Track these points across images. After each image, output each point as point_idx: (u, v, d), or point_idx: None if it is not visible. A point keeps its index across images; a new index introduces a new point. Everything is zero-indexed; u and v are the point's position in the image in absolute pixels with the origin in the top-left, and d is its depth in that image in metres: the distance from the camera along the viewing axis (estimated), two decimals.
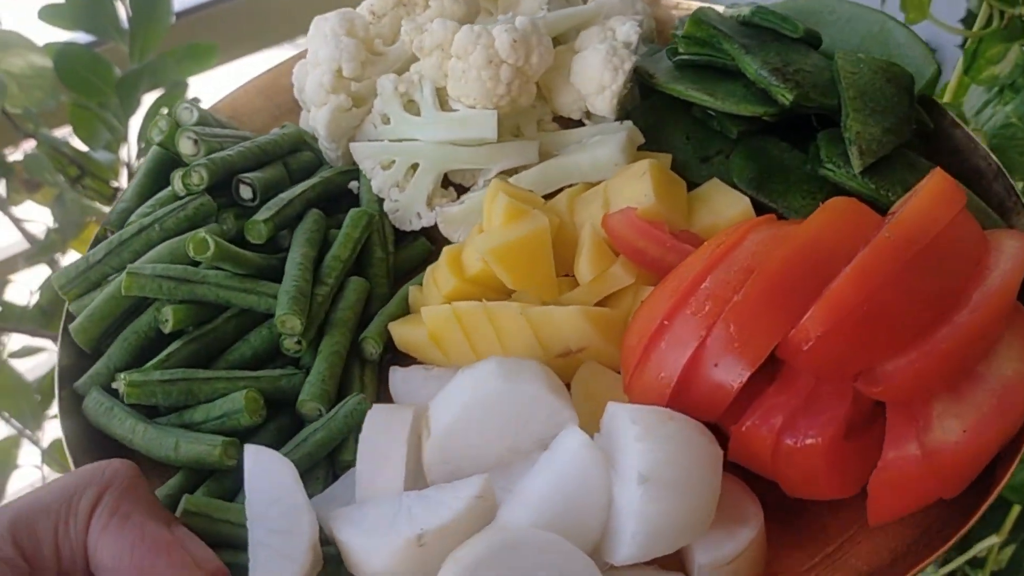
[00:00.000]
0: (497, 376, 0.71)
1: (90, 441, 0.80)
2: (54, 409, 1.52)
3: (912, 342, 0.67)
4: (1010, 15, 1.05)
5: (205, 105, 1.08)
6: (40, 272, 1.54)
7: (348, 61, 0.94)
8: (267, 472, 0.70)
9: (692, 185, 0.92)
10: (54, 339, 1.43)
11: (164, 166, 0.97)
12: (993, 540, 1.24)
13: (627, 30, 0.94)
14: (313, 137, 1.01)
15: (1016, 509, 1.23)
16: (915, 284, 0.68)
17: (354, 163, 0.97)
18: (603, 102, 0.92)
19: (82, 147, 1.51)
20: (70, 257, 1.51)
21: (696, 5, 1.13)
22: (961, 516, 0.68)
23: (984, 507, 0.67)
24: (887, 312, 0.67)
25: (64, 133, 1.57)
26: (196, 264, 0.84)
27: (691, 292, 0.72)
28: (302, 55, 1.09)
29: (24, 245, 1.54)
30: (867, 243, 0.71)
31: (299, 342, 0.82)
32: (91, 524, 0.64)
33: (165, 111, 0.99)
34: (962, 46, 1.21)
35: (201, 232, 0.82)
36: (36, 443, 1.47)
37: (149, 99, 1.47)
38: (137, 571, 0.64)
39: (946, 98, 1.22)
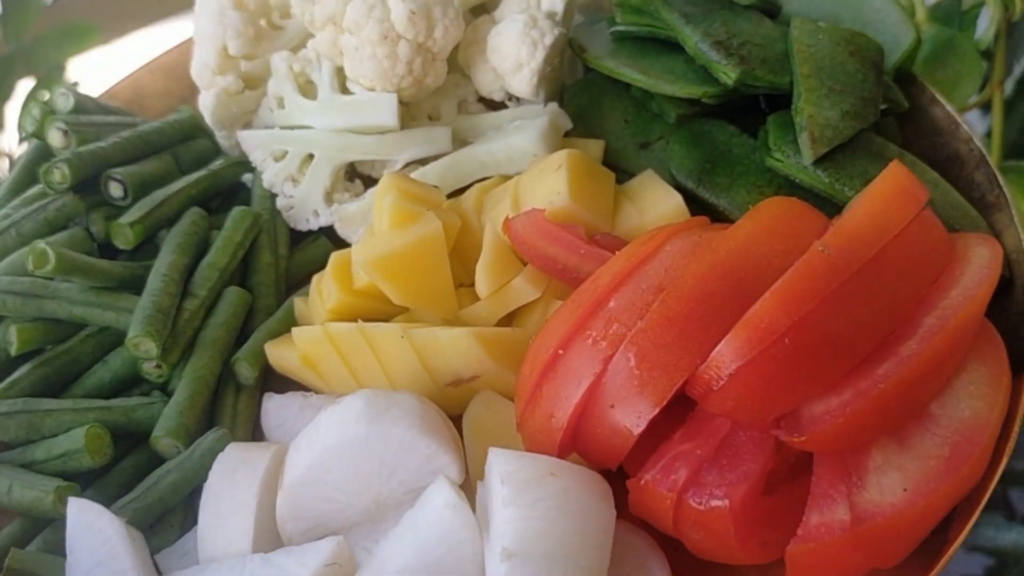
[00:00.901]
0: (361, 417, 0.60)
1: None
2: None
3: (846, 379, 0.55)
4: None
5: (102, 87, 0.98)
6: None
7: (234, 38, 0.83)
8: (92, 530, 0.60)
9: (629, 176, 0.81)
10: None
11: (42, 160, 0.87)
12: None
13: (552, 1, 0.82)
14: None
15: None
16: (854, 308, 0.56)
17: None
18: (521, 82, 0.80)
19: None
20: None
21: None
22: None
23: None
24: (817, 343, 0.55)
25: None
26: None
27: (592, 314, 0.61)
28: None
29: None
30: (803, 252, 0.59)
31: (159, 366, 0.72)
32: None
33: (45, 96, 0.88)
34: None
35: (41, 243, 0.71)
36: None
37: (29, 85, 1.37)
38: None
39: None
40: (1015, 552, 1.07)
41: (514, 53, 0.79)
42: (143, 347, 0.70)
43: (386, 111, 0.78)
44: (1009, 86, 1.13)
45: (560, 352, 0.60)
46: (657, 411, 0.56)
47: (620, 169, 0.82)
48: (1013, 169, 0.96)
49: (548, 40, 0.79)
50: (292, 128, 0.83)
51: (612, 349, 0.58)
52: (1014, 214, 0.72)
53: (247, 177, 0.88)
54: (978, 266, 0.61)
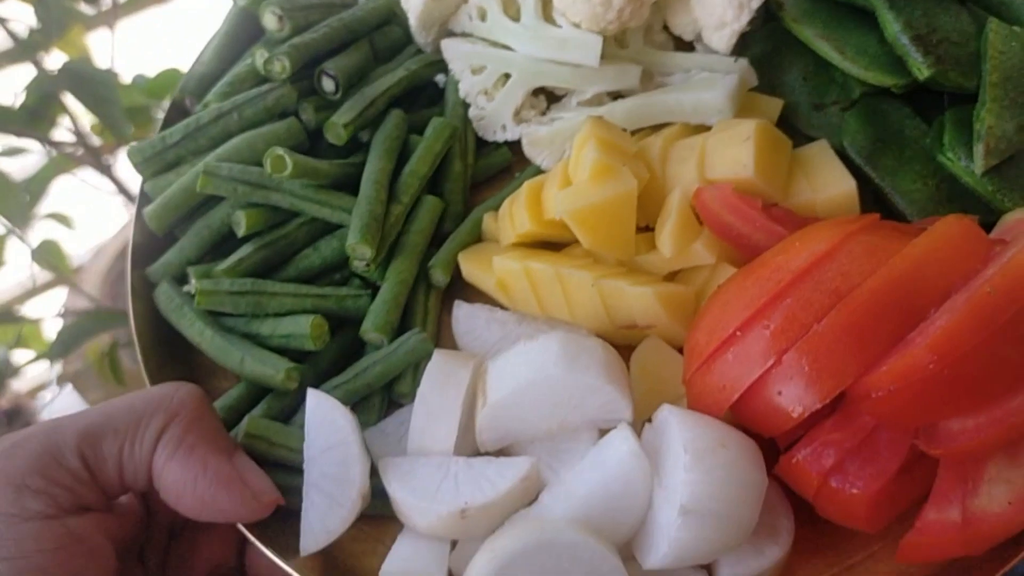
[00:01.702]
0: (560, 360, 0.71)
1: (158, 326, 0.82)
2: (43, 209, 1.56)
3: (983, 405, 0.65)
4: None
5: None
6: (23, 71, 1.51)
7: None
8: (327, 418, 0.72)
9: (799, 134, 0.87)
10: (40, 140, 1.45)
11: (243, 28, 0.94)
12: None
13: None
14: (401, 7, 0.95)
15: None
16: (1004, 347, 0.65)
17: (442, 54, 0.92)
18: (720, 40, 0.84)
19: None
20: (54, 58, 1.48)
21: None
22: (982, 567, 0.69)
23: (1008, 567, 0.68)
24: (967, 375, 0.64)
25: None
26: None
27: (772, 306, 0.69)
28: None
29: (8, 44, 1.50)
30: (970, 278, 0.67)
31: (368, 265, 0.81)
32: (156, 450, 0.68)
33: None
34: None
35: (278, 148, 0.79)
36: (24, 241, 1.52)
37: None
38: (199, 502, 0.68)
39: None
40: None
41: (720, 11, 0.83)
42: (359, 251, 0.80)
43: (591, 52, 0.83)
44: None
45: (738, 333, 0.70)
46: (820, 406, 0.66)
47: (791, 127, 0.88)
48: None
49: (755, 4, 0.83)
50: (492, 44, 0.88)
51: (788, 344, 0.67)
52: None
53: (440, 77, 0.93)
54: None
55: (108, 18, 1.56)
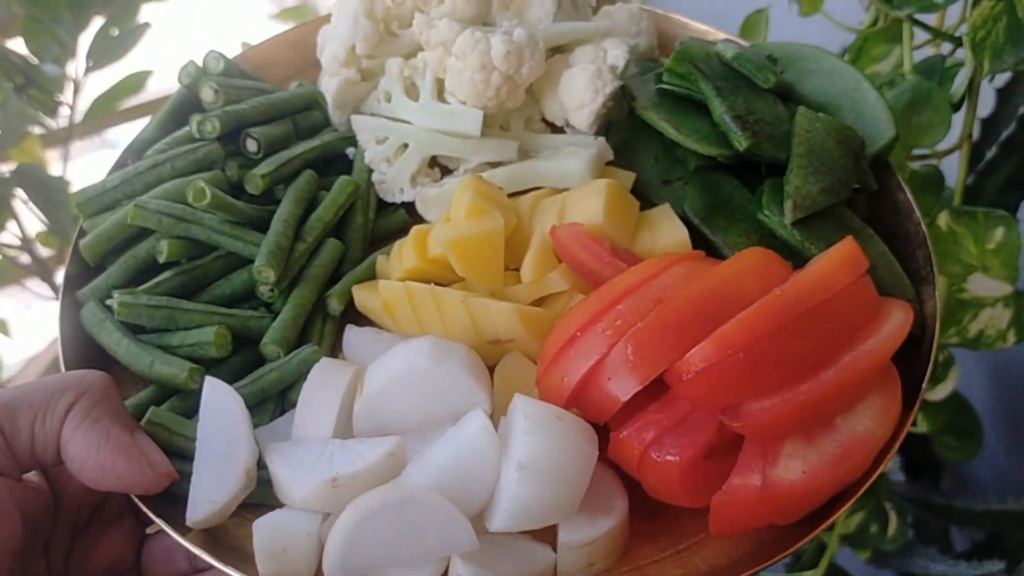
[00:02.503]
0: (427, 355, 0.83)
1: (81, 345, 0.93)
2: None
3: (779, 389, 0.78)
4: (892, 17, 1.14)
5: (236, 50, 1.19)
6: None
7: (362, 41, 1.04)
8: (220, 403, 0.83)
9: (650, 204, 1.02)
10: None
11: (186, 106, 1.09)
12: None
13: (617, 55, 1.03)
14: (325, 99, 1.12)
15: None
16: (793, 341, 0.78)
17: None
18: (581, 118, 1.01)
19: (32, 59, 1.60)
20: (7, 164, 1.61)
21: (702, 29, 1.22)
22: (792, 538, 0.79)
23: (810, 537, 0.79)
24: (762, 361, 0.77)
25: (15, 44, 1.66)
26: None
27: (606, 311, 0.83)
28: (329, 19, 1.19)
29: None
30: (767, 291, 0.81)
31: (272, 290, 0.94)
32: (65, 422, 0.77)
33: (208, 54, 1.09)
34: None
35: (200, 181, 0.93)
36: None
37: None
38: (100, 469, 0.77)
39: None
40: None
41: (579, 95, 1.01)
42: (264, 273, 0.92)
43: (472, 123, 1.00)
44: (993, 149, 1.34)
45: (578, 334, 0.82)
46: (640, 387, 0.78)
47: (644, 198, 1.04)
48: (967, 213, 1.13)
49: (608, 90, 1.01)
50: (395, 120, 1.05)
51: (616, 338, 0.80)
52: (937, 290, 0.94)
53: (350, 150, 1.09)
54: (893, 326, 0.83)
55: (65, 133, 1.72)
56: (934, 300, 0.93)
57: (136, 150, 1.06)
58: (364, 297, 0.96)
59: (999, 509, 1.49)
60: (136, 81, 1.71)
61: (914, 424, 1.45)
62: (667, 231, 0.96)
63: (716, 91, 1.00)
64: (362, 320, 0.97)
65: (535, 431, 0.76)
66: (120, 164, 1.06)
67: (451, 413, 0.83)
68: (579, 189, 0.97)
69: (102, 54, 1.63)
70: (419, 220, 1.06)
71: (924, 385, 0.87)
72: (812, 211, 0.94)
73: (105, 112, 1.79)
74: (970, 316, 1.21)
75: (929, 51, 1.25)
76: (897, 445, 0.82)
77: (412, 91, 1.05)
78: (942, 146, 1.17)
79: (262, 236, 0.95)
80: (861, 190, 1.03)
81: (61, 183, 1.60)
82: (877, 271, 0.94)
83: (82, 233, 0.99)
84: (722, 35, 1.21)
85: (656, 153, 1.06)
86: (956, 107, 1.14)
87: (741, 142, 0.96)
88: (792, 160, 0.96)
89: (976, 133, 1.45)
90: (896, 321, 0.83)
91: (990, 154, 1.37)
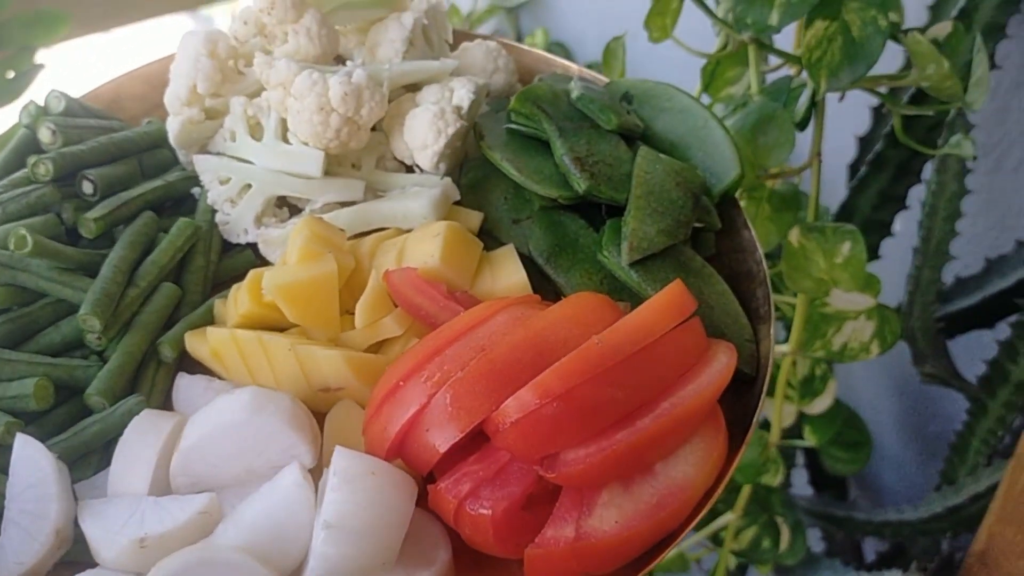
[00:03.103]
0: (247, 407, 0.81)
1: None
2: None
3: (595, 438, 0.77)
4: (739, 41, 1.15)
5: (92, 85, 1.17)
6: None
7: (203, 81, 1.02)
8: (31, 459, 0.80)
9: (500, 244, 1.02)
10: None
11: (28, 146, 1.06)
12: (729, 517, 1.39)
13: (462, 94, 1.02)
14: None
15: (747, 489, 1.37)
16: (612, 388, 0.78)
17: None
18: (424, 159, 1.00)
19: None
20: None
21: (564, 63, 1.22)
22: None
23: None
24: (579, 409, 0.77)
25: None
26: None
27: (429, 360, 0.82)
28: None
29: None
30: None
31: (99, 338, 0.91)
32: None
33: (50, 94, 1.07)
34: None
35: (22, 228, 0.90)
36: None
37: None
38: None
39: None
40: None
41: (422, 136, 1.00)
42: (89, 322, 0.90)
43: (313, 165, 0.98)
44: (864, 168, 1.39)
45: (401, 383, 0.81)
46: (458, 439, 0.77)
47: (494, 237, 1.03)
48: (816, 228, 1.15)
49: (451, 131, 1.00)
50: (238, 159, 1.03)
51: (436, 388, 0.79)
52: (772, 330, 0.95)
53: (195, 190, 1.07)
54: (716, 370, 0.83)
55: None
56: (769, 339, 0.94)
57: None
58: (195, 344, 0.94)
59: (897, 519, 1.51)
60: None
61: (802, 438, 1.48)
62: (506, 273, 0.95)
63: (559, 132, 1.00)
64: (198, 368, 0.95)
65: (343, 487, 0.74)
66: None
67: (272, 466, 0.82)
68: (419, 231, 0.96)
69: None
70: (267, 262, 1.04)
71: (752, 426, 0.87)
72: (649, 252, 0.94)
73: None
74: (834, 329, 1.23)
75: (788, 71, 1.26)
76: (720, 489, 0.83)
77: (257, 130, 1.04)
78: (799, 163, 1.20)
79: (91, 280, 0.93)
80: (707, 228, 1.03)
81: None
82: (714, 312, 0.94)
83: None
84: (582, 70, 1.22)
85: (506, 192, 1.05)
86: (802, 126, 1.16)
87: (580, 184, 0.96)
88: (630, 202, 0.96)
89: (853, 152, 1.49)
90: (719, 365, 0.84)
91: (862, 171, 1.41)
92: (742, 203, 1.07)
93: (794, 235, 1.16)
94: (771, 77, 1.24)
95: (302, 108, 0.97)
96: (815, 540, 1.74)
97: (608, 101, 1.05)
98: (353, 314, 0.94)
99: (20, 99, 1.59)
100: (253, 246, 1.05)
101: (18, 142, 1.07)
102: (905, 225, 1.46)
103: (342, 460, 0.77)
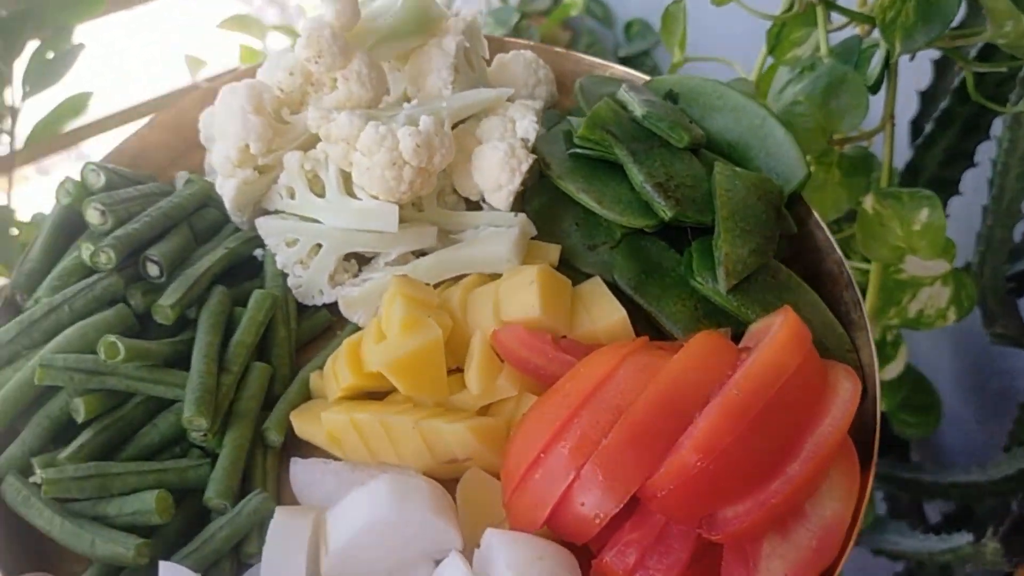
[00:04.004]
0: (389, 502, 0.79)
1: (7, 525, 0.85)
2: None
3: (749, 492, 0.78)
4: (806, 2, 1.12)
5: (112, 144, 1.10)
6: None
7: (255, 140, 0.97)
8: None
9: (577, 272, 1.00)
10: None
11: (69, 222, 1.00)
12: None
13: (526, 126, 0.99)
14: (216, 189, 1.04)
15: None
16: (756, 439, 0.78)
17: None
18: (500, 199, 0.98)
19: None
20: None
21: (597, 63, 1.19)
22: None
23: None
24: (731, 465, 0.77)
25: None
26: None
27: (566, 428, 0.81)
28: (206, 94, 1.11)
29: None
30: (723, 383, 0.81)
31: (205, 435, 0.88)
32: None
33: (85, 168, 1.00)
34: None
35: (111, 337, 0.86)
36: None
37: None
38: None
39: (752, 77, 1.28)
40: (916, 556, 1.32)
41: (495, 176, 0.97)
42: (195, 424, 0.87)
43: (389, 220, 0.95)
44: (930, 125, 1.36)
45: (542, 455, 0.81)
46: (616, 510, 0.78)
47: (569, 266, 1.01)
48: (892, 195, 1.12)
49: (524, 168, 0.97)
50: (302, 218, 0.99)
51: (583, 458, 0.79)
52: (870, 335, 0.96)
53: (258, 252, 1.03)
54: (844, 399, 0.84)
55: (6, 162, 1.57)
56: (869, 347, 0.95)
57: (24, 284, 0.97)
58: (305, 427, 0.91)
59: (964, 480, 1.48)
60: (76, 103, 1.57)
61: None
62: (604, 312, 0.94)
63: (632, 157, 0.98)
64: (304, 446, 0.93)
65: None
66: (9, 302, 0.97)
67: (422, 553, 0.81)
68: (511, 279, 0.94)
69: (38, 79, 1.49)
70: (342, 317, 1.01)
71: (876, 447, 0.89)
72: (744, 275, 0.94)
73: (47, 137, 1.65)
74: (909, 296, 1.23)
75: (855, 30, 1.22)
76: (860, 516, 0.85)
77: (316, 184, 0.99)
78: (870, 126, 1.16)
79: (183, 374, 0.89)
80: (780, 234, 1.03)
81: (5, 212, 1.48)
82: (812, 326, 0.95)
83: None
84: (619, 69, 1.19)
85: (577, 218, 1.03)
86: (874, 89, 1.13)
87: (665, 211, 0.95)
88: (718, 224, 0.95)
89: (915, 108, 1.45)
90: (845, 393, 0.85)
91: (928, 128, 1.37)
92: (811, 168, 1.06)
93: (869, 201, 1.13)
94: (835, 37, 1.19)
95: (372, 164, 0.93)
96: (877, 502, 1.73)
97: (675, 116, 1.02)
98: (454, 372, 0.93)
99: (62, 79, 1.52)
100: (326, 304, 1.01)
101: (56, 222, 1.01)
102: (973, 183, 1.41)
103: (507, 547, 0.77)
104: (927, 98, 1.42)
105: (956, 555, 1.38)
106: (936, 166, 1.37)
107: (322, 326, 1.01)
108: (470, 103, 1.00)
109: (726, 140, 1.07)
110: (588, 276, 0.99)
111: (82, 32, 1.54)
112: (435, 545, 0.81)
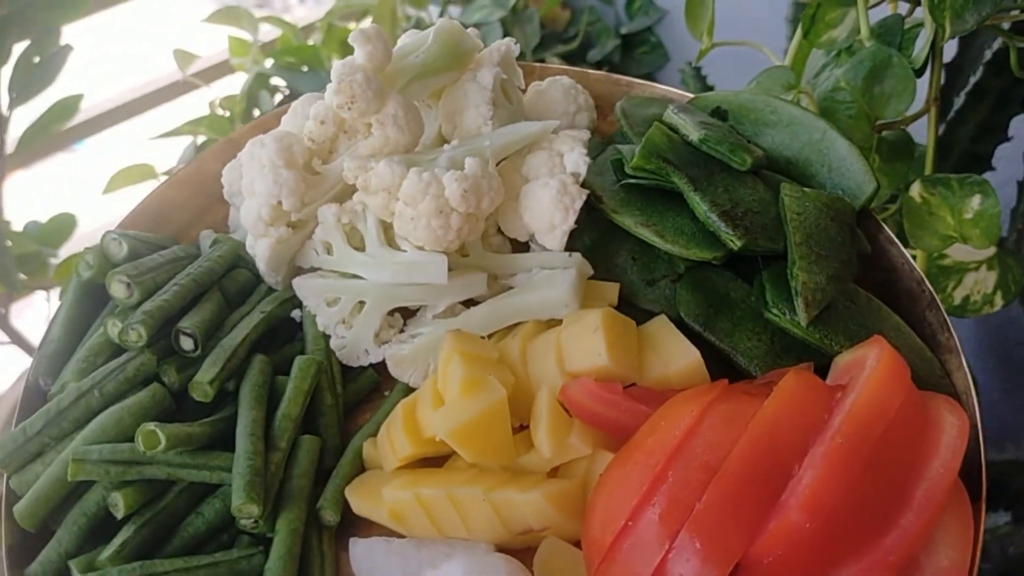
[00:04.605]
0: None
1: None
2: None
3: (862, 550, 0.71)
4: None
5: (131, 204, 1.04)
6: None
7: (288, 196, 0.90)
8: None
9: (636, 309, 0.93)
10: None
11: (90, 296, 0.94)
12: None
13: (575, 159, 0.92)
14: (245, 249, 0.98)
15: None
16: (865, 490, 0.71)
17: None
18: (553, 240, 0.91)
19: None
20: None
21: (636, 82, 1.13)
22: None
23: None
24: (840, 525, 0.70)
25: None
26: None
27: (653, 490, 0.74)
28: (225, 146, 1.05)
29: None
30: (821, 429, 0.74)
31: (256, 522, 0.81)
32: None
33: (106, 238, 0.94)
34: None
35: (149, 425, 0.79)
36: None
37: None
38: None
39: (786, 62, 1.21)
40: None
41: (548, 216, 0.90)
42: (246, 511, 0.79)
43: (438, 272, 0.88)
44: (961, 99, 1.28)
45: (630, 523, 0.73)
46: None
47: (628, 303, 0.94)
48: (941, 181, 1.06)
49: (578, 205, 0.90)
50: (342, 275, 0.92)
51: (677, 526, 0.71)
52: (963, 359, 0.89)
53: (295, 313, 0.96)
54: (951, 436, 0.77)
55: None
56: (963, 371, 0.88)
57: (47, 368, 0.90)
58: (362, 503, 0.84)
59: (999, 459, 1.44)
60: (67, 106, 1.52)
61: None
62: (677, 354, 0.87)
63: (693, 184, 0.91)
64: (359, 521, 0.86)
65: None
66: (32, 388, 0.90)
67: None
68: (573, 326, 0.87)
69: (26, 84, 1.43)
70: (388, 377, 0.94)
71: (984, 482, 0.81)
72: (824, 304, 0.87)
73: (38, 141, 1.59)
74: (954, 283, 1.16)
75: (887, 8, 1.16)
76: (979, 550, 0.77)
77: (354, 237, 0.92)
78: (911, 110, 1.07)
79: (227, 455, 0.82)
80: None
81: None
82: (900, 353, 0.87)
83: (11, 495, 0.83)
84: (659, 88, 1.12)
85: (633, 251, 0.96)
86: (921, 72, 1.05)
87: (735, 242, 0.88)
88: (792, 251, 0.88)
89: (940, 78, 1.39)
90: (952, 429, 0.77)
91: (959, 102, 1.31)
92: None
93: (916, 190, 1.07)
94: (871, 17, 1.11)
95: (417, 214, 0.86)
96: None
97: (733, 137, 0.95)
98: (518, 430, 0.86)
99: (51, 83, 1.46)
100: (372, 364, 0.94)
101: (74, 294, 0.94)
102: (1008, 157, 1.35)
103: None
104: (952, 71, 1.35)
105: (994, 535, 1.32)
106: (968, 141, 1.30)
107: (368, 387, 0.94)
108: (514, 139, 0.94)
109: (784, 158, 1.01)
110: (648, 314, 0.92)
111: (69, 32, 1.49)
112: None
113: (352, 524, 0.86)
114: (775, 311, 0.88)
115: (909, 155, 1.14)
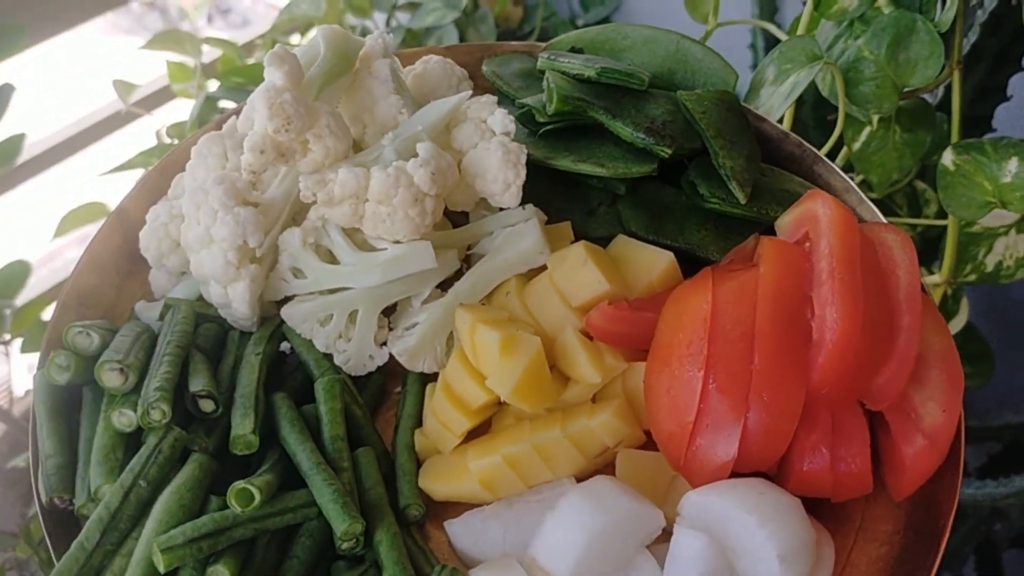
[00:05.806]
0: (593, 509, 0.78)
1: None
2: None
3: (886, 355, 0.84)
4: None
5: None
6: None
7: (253, 233, 0.89)
8: None
9: (589, 239, 1.01)
10: None
11: (64, 398, 0.89)
12: None
13: (501, 119, 0.97)
14: (203, 304, 0.95)
15: None
16: (871, 309, 0.84)
17: (265, 321, 0.94)
18: (511, 197, 0.96)
19: None
20: None
21: (482, 45, 1.19)
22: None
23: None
24: (866, 342, 0.83)
25: None
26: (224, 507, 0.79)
27: (710, 372, 0.83)
28: (114, 220, 1.01)
29: None
30: (810, 278, 0.86)
31: (357, 541, 0.82)
32: None
33: (70, 331, 0.88)
34: None
35: (239, 484, 0.77)
36: None
37: None
38: None
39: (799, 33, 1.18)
40: (974, 505, 1.32)
41: (502, 177, 0.95)
42: (352, 531, 0.80)
43: (426, 257, 0.90)
44: (977, 30, 1.22)
45: (701, 405, 0.82)
46: (794, 428, 0.81)
47: (578, 237, 1.02)
48: (974, 146, 1.02)
49: (523, 158, 0.96)
50: (328, 292, 0.92)
51: (743, 391, 0.81)
52: (862, 195, 1.04)
53: (284, 346, 0.95)
54: (900, 248, 0.91)
55: None
56: (855, 193, 1.02)
57: (59, 485, 0.84)
58: (444, 487, 0.87)
59: (1017, 421, 1.45)
60: (10, 148, 1.33)
61: None
62: (653, 262, 0.95)
63: (610, 114, 0.99)
64: (433, 507, 0.89)
65: (768, 521, 0.76)
66: (51, 512, 0.84)
67: (637, 543, 0.81)
68: (561, 268, 0.93)
69: None
70: (390, 376, 0.96)
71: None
72: (752, 181, 0.99)
73: None
74: (984, 249, 1.13)
75: None
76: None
77: (321, 253, 0.93)
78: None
79: (298, 494, 0.82)
80: None
81: None
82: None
83: None
84: (507, 44, 1.19)
85: (565, 191, 1.04)
86: (945, 35, 1.01)
87: (665, 151, 0.98)
88: (710, 144, 0.99)
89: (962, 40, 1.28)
90: (897, 245, 0.92)
91: (974, 37, 1.23)
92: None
93: (948, 157, 1.03)
94: None
95: (393, 208, 0.88)
96: None
97: (621, 65, 1.05)
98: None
99: None
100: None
101: (50, 399, 0.88)
102: (1007, 118, 1.31)
103: (724, 498, 0.78)
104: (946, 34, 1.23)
105: (1019, 498, 1.32)
106: (966, 103, 1.25)
107: (379, 391, 0.96)
108: (439, 117, 0.97)
109: (650, 73, 1.11)
110: (601, 241, 1.00)
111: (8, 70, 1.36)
112: (643, 531, 0.81)
113: (426, 516, 0.88)
114: (714, 200, 0.99)
115: (931, 123, 1.14)
